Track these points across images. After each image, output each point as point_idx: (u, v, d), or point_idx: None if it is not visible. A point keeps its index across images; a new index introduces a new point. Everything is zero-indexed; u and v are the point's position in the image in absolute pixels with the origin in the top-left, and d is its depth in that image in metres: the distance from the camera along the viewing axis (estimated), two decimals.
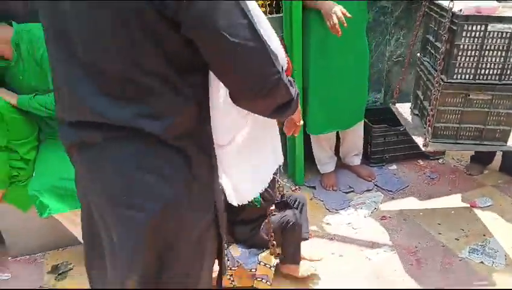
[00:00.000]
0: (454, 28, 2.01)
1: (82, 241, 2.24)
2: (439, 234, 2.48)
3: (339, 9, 2.28)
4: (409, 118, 2.53)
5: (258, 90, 1.00)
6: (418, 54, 2.53)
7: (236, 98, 1.04)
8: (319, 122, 2.75)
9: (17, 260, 2.40)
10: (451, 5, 1.99)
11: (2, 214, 2.30)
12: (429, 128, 2.15)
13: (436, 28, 2.26)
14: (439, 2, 2.20)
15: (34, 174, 2.21)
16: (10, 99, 2.13)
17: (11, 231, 2.36)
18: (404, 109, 2.63)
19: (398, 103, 2.67)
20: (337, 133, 2.98)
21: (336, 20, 2.27)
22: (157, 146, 1.02)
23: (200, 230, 1.15)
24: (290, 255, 2.08)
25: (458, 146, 2.24)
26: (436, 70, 2.09)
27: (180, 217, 1.08)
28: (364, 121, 2.96)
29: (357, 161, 3.07)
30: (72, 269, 2.33)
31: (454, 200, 2.78)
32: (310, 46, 2.58)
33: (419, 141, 2.21)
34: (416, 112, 2.52)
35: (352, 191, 2.91)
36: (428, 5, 2.35)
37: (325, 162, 2.96)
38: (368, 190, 2.92)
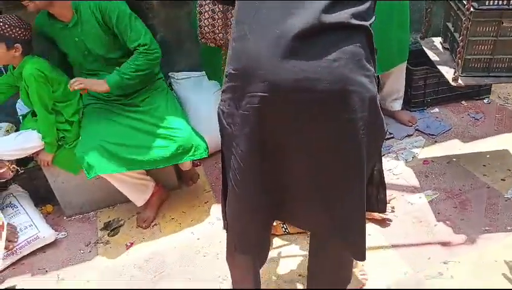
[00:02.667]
0: None
1: (131, 198, 2.37)
2: (485, 175, 2.41)
3: None
4: (440, 52, 2.37)
5: None
6: None
7: None
8: None
9: (72, 219, 2.55)
10: None
11: (55, 176, 2.44)
12: (459, 60, 2.02)
13: None
14: None
15: (80, 137, 2.31)
16: (99, 88, 2.20)
17: (64, 192, 2.50)
18: (434, 44, 2.47)
19: (427, 37, 2.51)
20: (377, 78, 2.88)
21: None
22: None
23: None
24: None
25: (491, 79, 2.09)
26: None
27: None
28: None
29: (397, 105, 2.98)
30: (123, 225, 2.46)
31: (500, 141, 2.68)
32: None
33: (448, 75, 2.09)
34: (447, 45, 2.36)
35: (392, 138, 2.85)
36: None
37: None
38: (409, 135, 2.85)
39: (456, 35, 2.16)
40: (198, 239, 2.28)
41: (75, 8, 2.17)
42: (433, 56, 2.34)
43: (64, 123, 2.32)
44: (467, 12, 1.93)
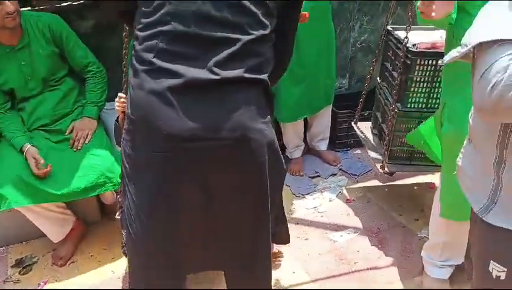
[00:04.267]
0: (408, 62, 2.14)
1: (47, 233, 2.23)
2: (400, 215, 2.57)
3: None
4: (370, 137, 2.68)
5: None
6: (378, 79, 2.64)
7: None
8: (291, 110, 2.78)
9: None
10: (405, 41, 2.11)
11: None
12: (385, 152, 2.32)
13: (393, 58, 2.39)
14: (397, 33, 2.35)
15: None
16: (93, 129, 2.29)
17: None
18: (365, 128, 2.78)
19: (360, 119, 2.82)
20: (305, 119, 3.01)
21: None
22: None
23: None
24: None
25: (412, 167, 2.43)
26: (392, 99, 2.23)
27: None
28: None
29: (323, 146, 3.12)
30: (36, 262, 2.30)
31: (415, 183, 2.87)
32: None
33: (377, 163, 2.37)
34: (376, 131, 2.67)
35: (318, 176, 2.97)
36: (386, 34, 2.49)
37: (294, 148, 3.01)
38: (333, 174, 2.98)
39: (384, 125, 2.44)
40: (118, 278, 2.18)
41: (25, 29, 2.10)
42: (364, 140, 2.65)
43: None
44: (392, 113, 2.22)
